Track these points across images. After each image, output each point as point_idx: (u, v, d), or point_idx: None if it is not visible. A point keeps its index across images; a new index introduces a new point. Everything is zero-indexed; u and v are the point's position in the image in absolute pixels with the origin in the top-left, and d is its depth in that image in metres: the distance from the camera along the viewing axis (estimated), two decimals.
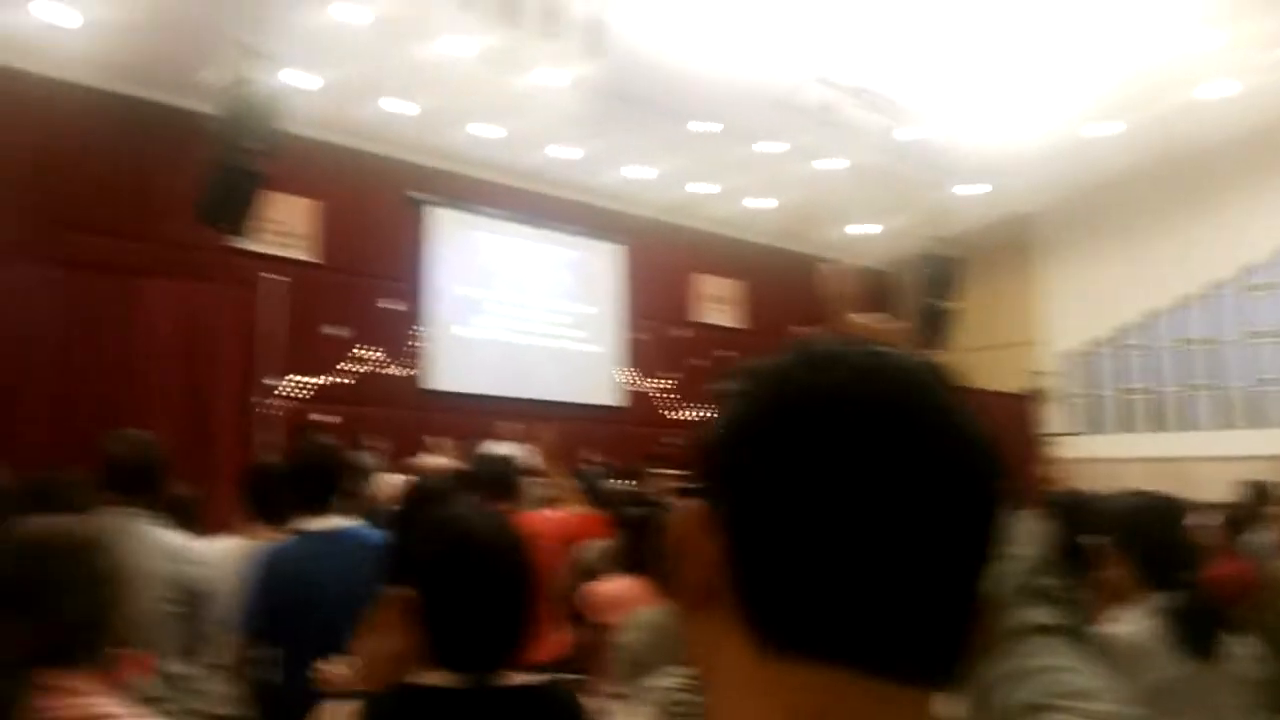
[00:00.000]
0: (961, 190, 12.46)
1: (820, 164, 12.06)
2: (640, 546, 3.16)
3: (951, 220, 12.90)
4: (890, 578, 0.49)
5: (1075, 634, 0.84)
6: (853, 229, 14.49)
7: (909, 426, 0.50)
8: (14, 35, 8.23)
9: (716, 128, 11.07)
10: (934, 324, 12.27)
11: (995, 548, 0.52)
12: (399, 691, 1.38)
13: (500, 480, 3.18)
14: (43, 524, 1.58)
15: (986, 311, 13.75)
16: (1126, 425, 13.85)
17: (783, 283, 14.50)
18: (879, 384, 0.51)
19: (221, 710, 2.62)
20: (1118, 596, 2.18)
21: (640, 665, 2.36)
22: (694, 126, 11.01)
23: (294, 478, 2.85)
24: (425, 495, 3.02)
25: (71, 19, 8.43)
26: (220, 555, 3.04)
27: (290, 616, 2.57)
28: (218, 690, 2.66)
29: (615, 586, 3.31)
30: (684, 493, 0.57)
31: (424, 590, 1.40)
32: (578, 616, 3.57)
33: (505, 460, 3.19)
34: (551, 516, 3.79)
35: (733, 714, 0.53)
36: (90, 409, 8.62)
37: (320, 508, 2.78)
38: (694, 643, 0.56)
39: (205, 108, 8.15)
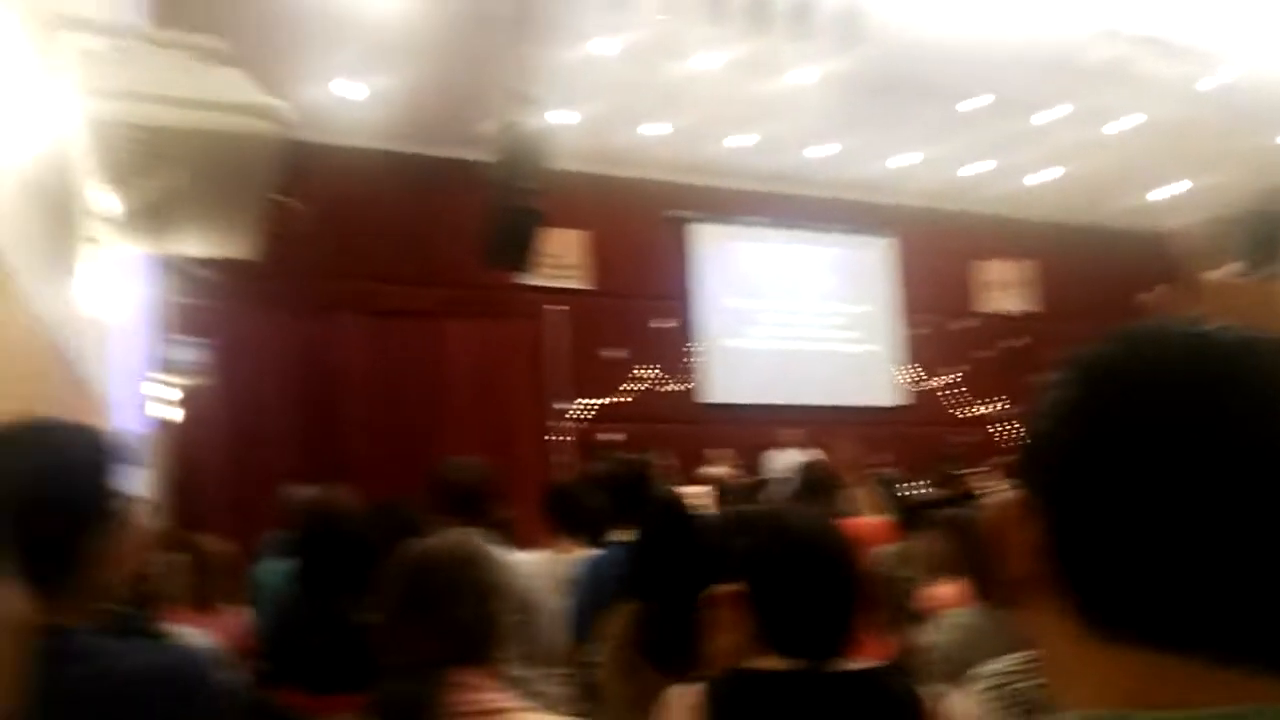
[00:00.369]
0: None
1: (1111, 127, 10.87)
2: (960, 549, 3.14)
3: (1274, 171, 11.20)
4: (1219, 561, 0.49)
5: None
6: (1155, 193, 12.94)
7: (1237, 408, 0.50)
8: (312, 111, 9.23)
9: (987, 100, 10.28)
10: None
11: None
12: (736, 675, 1.44)
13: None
14: (437, 540, 1.78)
15: None
16: None
17: (1077, 259, 13.30)
18: (1206, 365, 0.52)
19: (559, 710, 2.78)
20: None
21: (955, 666, 2.30)
22: (962, 106, 10.30)
23: (607, 491, 3.06)
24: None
25: (359, 91, 9.33)
26: (536, 568, 3.24)
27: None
28: (552, 692, 2.83)
29: (943, 591, 3.32)
30: (1011, 485, 0.58)
31: (752, 582, 1.45)
32: (894, 622, 3.56)
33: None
34: (850, 524, 3.74)
35: (1068, 696, 0.54)
36: (404, 440, 9.53)
37: (631, 518, 2.90)
38: (1029, 630, 0.58)
39: (481, 156, 8.71)
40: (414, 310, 9.85)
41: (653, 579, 2.22)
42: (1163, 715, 0.50)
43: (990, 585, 2.39)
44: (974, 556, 2.98)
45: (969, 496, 5.36)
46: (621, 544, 2.88)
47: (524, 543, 5.65)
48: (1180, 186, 12.75)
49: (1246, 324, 0.94)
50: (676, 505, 2.53)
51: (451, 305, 10.03)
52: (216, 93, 4.27)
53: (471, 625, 1.61)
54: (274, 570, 3.44)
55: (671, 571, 2.18)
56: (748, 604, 1.44)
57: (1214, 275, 1.07)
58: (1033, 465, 0.56)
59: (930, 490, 6.79)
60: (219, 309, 8.86)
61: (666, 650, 1.87)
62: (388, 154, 10.36)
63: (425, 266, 10.46)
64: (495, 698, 1.58)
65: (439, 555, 1.69)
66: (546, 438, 9.65)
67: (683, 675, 1.67)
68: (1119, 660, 0.51)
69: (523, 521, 9.40)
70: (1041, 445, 0.55)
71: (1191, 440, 0.49)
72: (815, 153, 11.44)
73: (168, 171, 4.32)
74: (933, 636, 2.49)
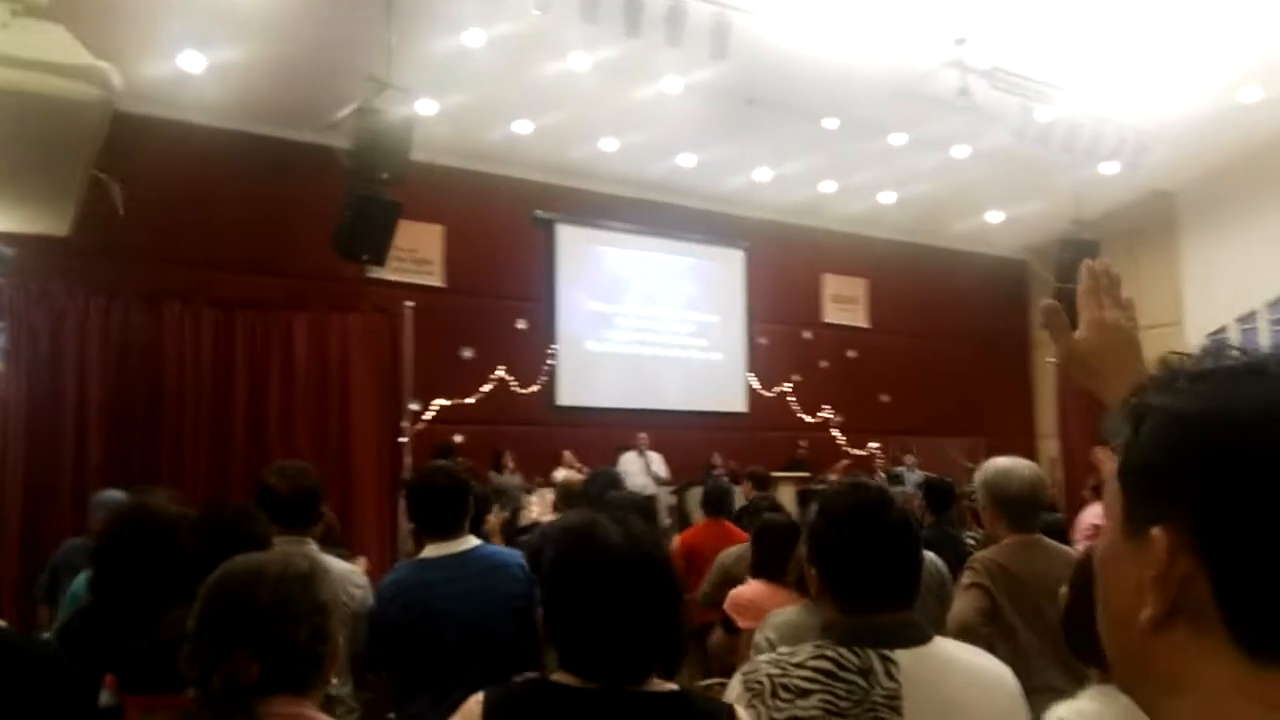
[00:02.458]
0: (1101, 169, 11.74)
1: (953, 151, 11.56)
2: (778, 552, 3.32)
3: (1091, 202, 12.24)
4: None
5: None
6: (989, 216, 13.89)
7: None
8: (151, 82, 8.54)
9: (835, 124, 10.73)
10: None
11: None
12: (534, 686, 1.45)
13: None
14: (261, 557, 1.64)
15: (1128, 293, 12.90)
16: None
17: (904, 278, 14.12)
18: None
19: None
20: None
21: None
22: (821, 124, 10.70)
23: (417, 504, 2.86)
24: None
25: (199, 64, 8.71)
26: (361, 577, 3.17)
27: (408, 643, 2.65)
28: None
29: (753, 590, 3.48)
30: (1129, 523, 0.58)
31: (547, 600, 1.44)
32: (726, 621, 3.68)
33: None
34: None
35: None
36: (239, 441, 8.96)
37: (447, 532, 2.79)
38: (1157, 664, 0.57)
39: (337, 142, 8.32)
40: (255, 301, 9.27)
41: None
42: None
43: (803, 585, 2.42)
44: (797, 562, 3.16)
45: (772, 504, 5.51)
46: (429, 560, 2.79)
47: (360, 546, 5.39)
48: (1008, 213, 13.74)
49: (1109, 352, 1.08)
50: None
51: (297, 297, 9.50)
52: (33, 49, 3.87)
53: (300, 650, 1.50)
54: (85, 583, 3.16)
55: None
56: (544, 628, 1.43)
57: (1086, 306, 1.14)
58: (1156, 496, 0.56)
59: (753, 494, 6.93)
60: (23, 289, 8.06)
61: None
62: (234, 134, 9.72)
63: (270, 255, 9.88)
64: None
65: (261, 574, 1.54)
66: (395, 438, 9.30)
67: None
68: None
69: (362, 525, 9.02)
70: (1165, 476, 0.56)
71: None
72: (678, 161, 11.62)
73: None
74: (760, 634, 2.55)
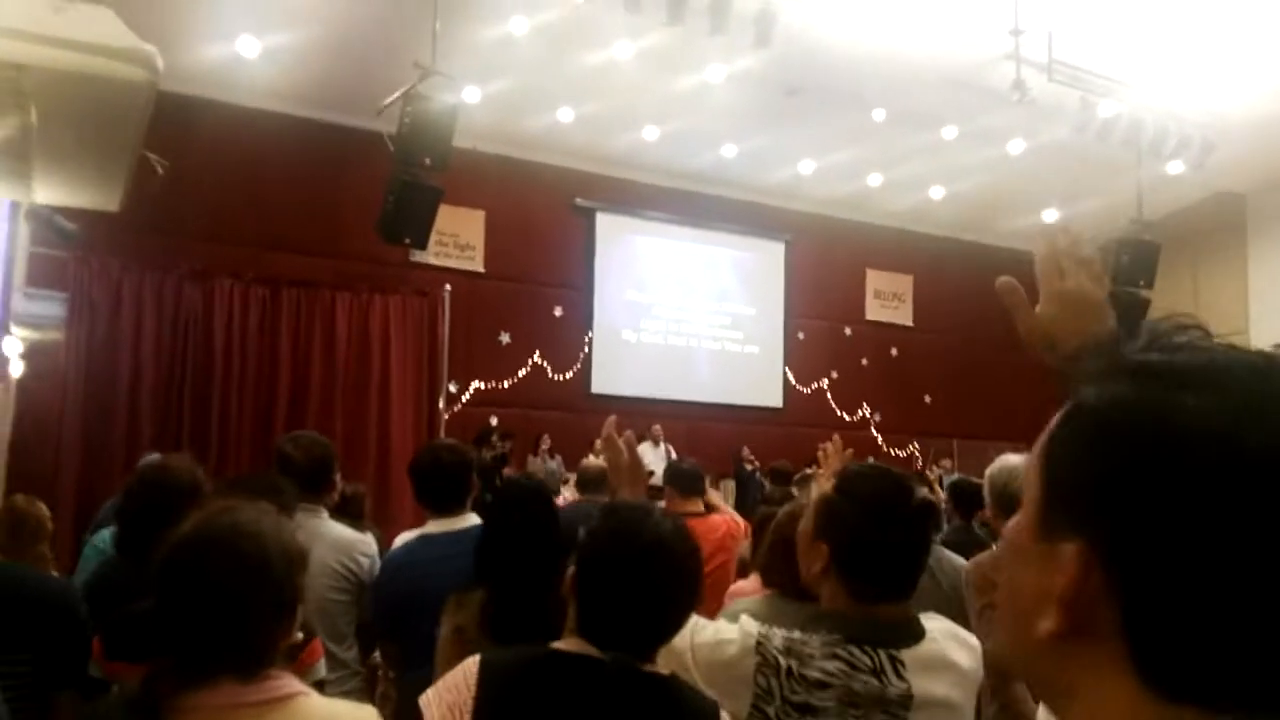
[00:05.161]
0: (1167, 169, 11.37)
1: (1009, 147, 11.31)
2: (755, 543, 3.21)
3: (1154, 203, 11.86)
4: None
5: None
6: (1045, 215, 13.55)
7: None
8: (204, 65, 8.77)
9: (882, 115, 10.56)
10: (1129, 314, 11.27)
11: None
12: (533, 653, 1.47)
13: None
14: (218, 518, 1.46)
15: (1191, 299, 12.53)
16: None
17: (950, 276, 13.86)
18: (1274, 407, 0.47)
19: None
20: None
21: None
22: (869, 115, 10.55)
23: (421, 481, 2.90)
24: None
25: (254, 48, 8.92)
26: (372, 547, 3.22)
27: (407, 615, 2.69)
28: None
29: (743, 585, 3.37)
30: (1042, 526, 0.53)
31: (579, 570, 1.48)
32: None
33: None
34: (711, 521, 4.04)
35: None
36: (279, 416, 9.19)
37: (450, 509, 2.85)
38: (1051, 678, 0.53)
39: (383, 127, 8.45)
40: (301, 280, 9.50)
41: (502, 564, 2.20)
42: None
43: (774, 575, 2.40)
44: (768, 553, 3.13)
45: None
46: (433, 536, 2.83)
47: (397, 523, 5.48)
48: (1067, 210, 13.39)
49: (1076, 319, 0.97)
50: (533, 493, 2.46)
51: (341, 278, 9.72)
52: (84, 32, 4.01)
53: (265, 613, 1.38)
54: (105, 538, 3.29)
55: (521, 557, 2.18)
56: (574, 587, 1.47)
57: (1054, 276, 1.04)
58: (1075, 508, 0.51)
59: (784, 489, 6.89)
60: (81, 263, 8.35)
61: (510, 633, 1.86)
62: (284, 117, 9.96)
63: (315, 236, 10.11)
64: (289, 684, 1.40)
65: (217, 536, 1.40)
66: (432, 418, 9.47)
67: None
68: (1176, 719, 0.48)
69: (400, 501, 9.19)
70: (1088, 490, 0.50)
71: (1269, 495, 0.45)
72: (719, 152, 11.57)
73: (29, 112, 4.03)
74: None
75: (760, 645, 1.57)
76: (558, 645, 1.45)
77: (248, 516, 1.44)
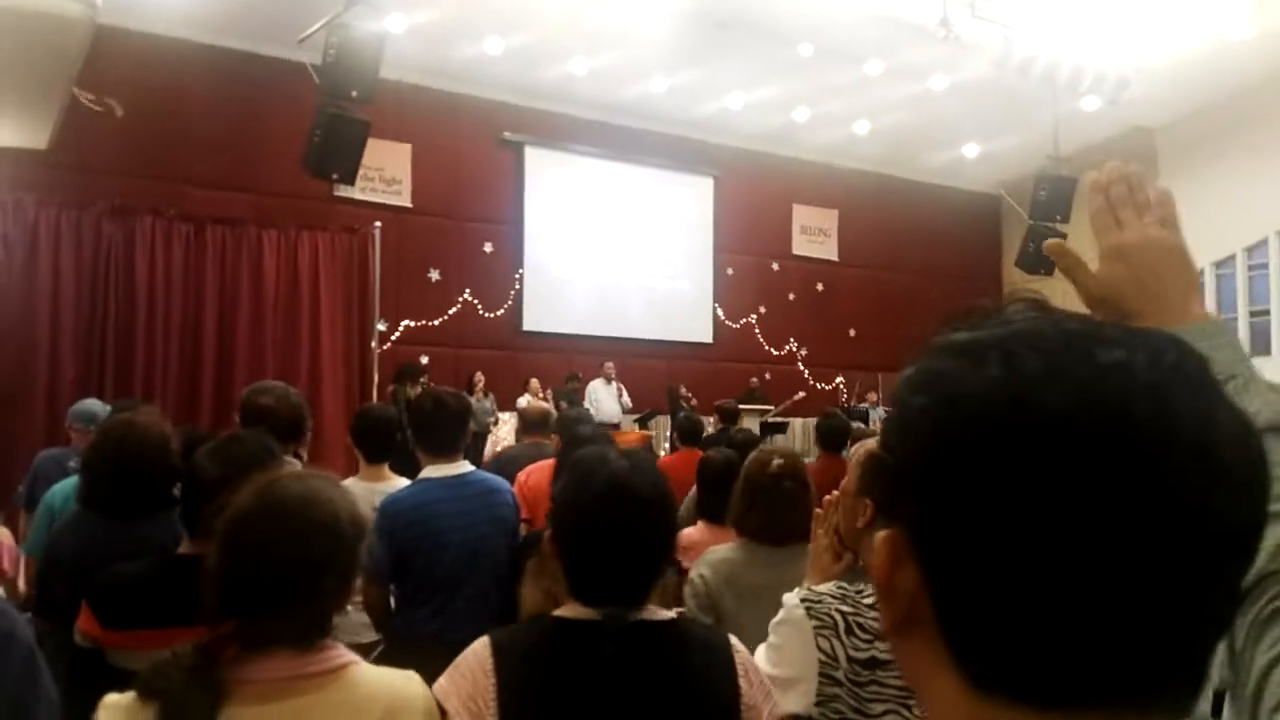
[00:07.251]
0: (1083, 104, 11.70)
1: (931, 83, 11.48)
2: (719, 492, 3.14)
3: (1070, 138, 12.20)
4: (1114, 617, 0.42)
5: None
6: (965, 150, 13.87)
7: (1137, 444, 0.42)
8: None
9: (809, 50, 10.65)
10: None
11: (1242, 573, 0.45)
12: (537, 623, 1.45)
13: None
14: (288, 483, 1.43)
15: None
16: (1261, 347, 13.04)
17: (880, 210, 14.09)
18: (1101, 394, 0.43)
19: (360, 639, 2.83)
20: None
21: (710, 601, 2.45)
22: (796, 49, 10.59)
23: (426, 424, 2.94)
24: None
25: None
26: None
27: (410, 557, 2.77)
28: (357, 620, 2.89)
29: (698, 532, 3.33)
30: (883, 513, 0.52)
31: (558, 528, 1.46)
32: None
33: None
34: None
35: None
36: (205, 355, 9.08)
37: (445, 454, 2.92)
38: (904, 669, 0.52)
39: (307, 58, 8.27)
40: (226, 217, 9.31)
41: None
42: None
43: (749, 523, 2.49)
44: (714, 496, 3.14)
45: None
46: (432, 481, 2.87)
47: (326, 463, 5.50)
48: (987, 145, 13.71)
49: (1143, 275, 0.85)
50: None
51: (265, 214, 9.54)
52: None
53: (326, 610, 1.38)
54: (59, 493, 3.22)
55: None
56: (555, 550, 1.46)
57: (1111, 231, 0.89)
58: (899, 497, 0.48)
59: (719, 426, 7.10)
60: None
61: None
62: (203, 47, 9.65)
63: (240, 171, 9.90)
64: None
65: (320, 512, 1.38)
66: (363, 357, 9.45)
67: (500, 622, 1.71)
68: (998, 716, 0.45)
69: (331, 441, 9.19)
70: (907, 478, 0.47)
71: (1083, 485, 0.42)
72: (648, 85, 11.54)
73: None
74: (695, 572, 2.56)
75: (809, 607, 1.58)
76: (560, 613, 1.44)
77: (319, 484, 1.44)
